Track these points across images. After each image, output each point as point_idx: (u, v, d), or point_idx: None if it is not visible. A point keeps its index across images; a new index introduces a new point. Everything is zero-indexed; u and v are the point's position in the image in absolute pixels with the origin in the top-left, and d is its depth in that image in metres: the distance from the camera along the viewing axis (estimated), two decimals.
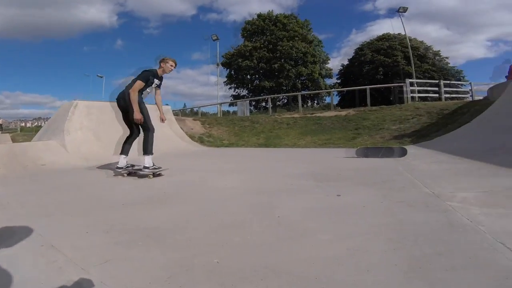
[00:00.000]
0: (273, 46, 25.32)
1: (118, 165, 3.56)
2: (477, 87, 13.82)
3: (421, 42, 25.00)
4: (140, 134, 3.59)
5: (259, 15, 26.97)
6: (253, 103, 24.82)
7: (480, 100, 9.26)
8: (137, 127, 3.54)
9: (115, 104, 3.61)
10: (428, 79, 18.11)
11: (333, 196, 2.30)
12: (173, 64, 3.64)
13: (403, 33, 21.75)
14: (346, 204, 2.07)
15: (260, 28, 26.44)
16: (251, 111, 21.23)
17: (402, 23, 20.89)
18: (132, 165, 3.62)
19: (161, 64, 3.59)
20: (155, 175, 3.39)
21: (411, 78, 15.69)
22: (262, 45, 25.76)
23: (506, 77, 8.62)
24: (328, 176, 3.30)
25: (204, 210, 2.05)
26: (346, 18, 47.58)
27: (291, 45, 24.75)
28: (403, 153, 4.42)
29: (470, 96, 13.68)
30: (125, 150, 3.60)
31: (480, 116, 5.87)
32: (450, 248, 1.23)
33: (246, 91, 28.26)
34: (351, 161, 4.37)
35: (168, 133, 7.14)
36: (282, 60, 25.15)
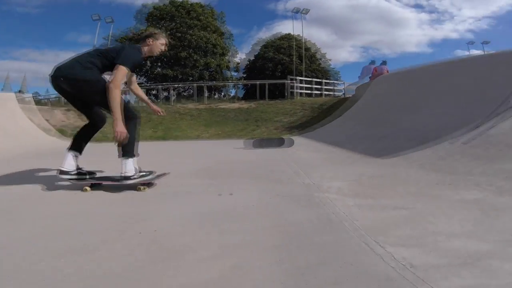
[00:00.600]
0: (182, 35, 23.68)
1: (62, 168, 2.28)
2: (349, 86, 17.24)
3: (314, 43, 29.00)
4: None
5: (172, 1, 24.76)
6: (154, 92, 22.59)
7: (349, 97, 11.44)
8: (99, 112, 2.42)
9: None
10: (315, 78, 21.26)
11: (226, 195, 2.14)
12: (165, 44, 2.52)
13: (301, 34, 24.66)
14: (237, 205, 1.93)
15: (170, 14, 24.35)
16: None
17: (302, 24, 23.72)
18: (80, 168, 2.38)
19: (149, 40, 2.42)
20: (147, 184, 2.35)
21: (301, 76, 17.99)
22: (168, 32, 23.65)
23: (369, 77, 10.43)
24: (223, 171, 3.16)
25: (47, 230, 1.48)
26: (258, 15, 49.60)
27: (202, 35, 23.85)
28: (291, 143, 4.97)
29: (343, 94, 16.89)
30: (77, 145, 2.39)
31: (348, 112, 7.19)
32: (332, 254, 1.20)
33: (145, 79, 25.45)
34: (248, 153, 4.45)
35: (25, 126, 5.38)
36: (191, 50, 23.92)
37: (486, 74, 4.24)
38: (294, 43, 25.60)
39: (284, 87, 14.18)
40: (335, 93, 17.33)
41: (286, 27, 59.80)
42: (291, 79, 14.43)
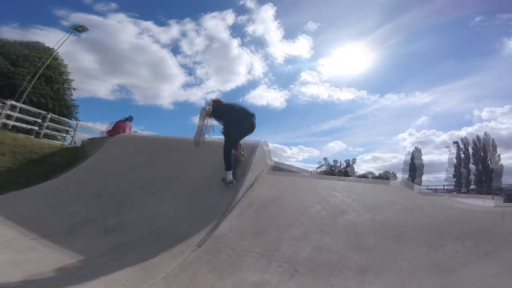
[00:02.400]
0: None
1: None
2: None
3: (65, 65, 22.32)
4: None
5: None
6: None
7: (77, 147, 8.92)
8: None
9: None
10: (43, 105, 15.74)
11: None
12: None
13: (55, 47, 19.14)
14: None
15: None
16: None
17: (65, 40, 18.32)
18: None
19: None
20: None
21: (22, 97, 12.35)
22: None
23: (108, 132, 8.04)
24: None
25: None
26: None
27: None
28: None
29: (72, 136, 13.47)
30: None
31: (69, 173, 5.20)
32: None
33: None
34: None
35: None
36: None
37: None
38: (40, 55, 19.10)
39: None
40: (61, 134, 13.45)
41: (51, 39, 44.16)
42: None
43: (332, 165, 10.98)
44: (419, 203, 3.26)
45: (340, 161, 11.20)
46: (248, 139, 4.58)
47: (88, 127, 14.80)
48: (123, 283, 2.18)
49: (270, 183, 4.50)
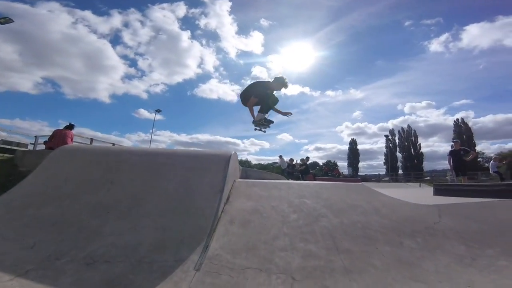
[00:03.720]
0: None
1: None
2: None
3: None
4: None
5: None
6: None
7: (2, 160, 7.29)
8: None
9: None
10: None
11: None
12: None
13: None
14: None
15: None
16: None
17: None
18: None
19: None
20: None
21: None
22: None
23: (46, 144, 6.92)
24: None
25: None
26: None
27: None
28: None
29: None
30: None
31: (5, 196, 4.38)
32: None
33: None
34: None
35: None
36: None
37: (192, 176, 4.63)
38: None
39: None
40: None
41: None
42: None
43: (289, 164, 11.99)
44: (375, 205, 4.08)
45: (297, 160, 12.43)
46: (218, 149, 4.76)
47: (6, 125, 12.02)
48: None
49: (245, 195, 4.78)
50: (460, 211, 3.89)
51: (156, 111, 41.81)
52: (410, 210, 3.99)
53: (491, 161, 7.97)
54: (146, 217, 4.07)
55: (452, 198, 6.40)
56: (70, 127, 7.42)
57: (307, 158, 12.40)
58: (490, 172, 7.91)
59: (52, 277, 2.66)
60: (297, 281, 2.78)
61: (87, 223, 3.87)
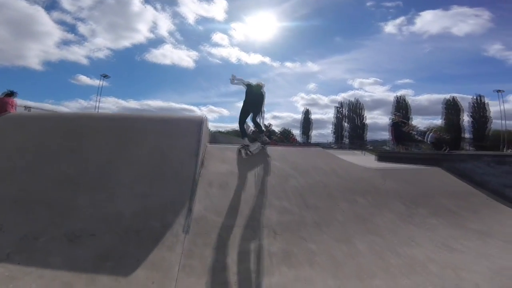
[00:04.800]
0: None
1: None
2: None
3: None
4: None
5: None
6: None
7: None
8: None
9: None
10: None
11: None
12: None
13: None
14: None
15: None
16: None
17: None
18: None
19: None
20: None
21: None
22: None
23: None
24: None
25: None
26: None
27: None
28: None
29: None
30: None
31: None
32: None
33: None
34: None
35: None
36: None
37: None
38: None
39: None
40: None
41: None
42: None
43: (253, 130, 12.27)
44: (333, 167, 4.74)
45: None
46: (189, 114, 4.70)
47: None
48: (149, 286, 2.41)
49: (219, 159, 4.95)
50: (399, 175, 4.81)
51: (102, 76, 35.99)
52: (361, 172, 4.76)
53: (431, 133, 9.64)
54: (120, 186, 3.96)
55: (392, 164, 7.66)
56: (11, 94, 6.22)
57: (270, 124, 12.91)
58: (427, 142, 9.60)
59: (38, 259, 2.61)
60: (278, 235, 3.27)
61: (55, 197, 3.62)
